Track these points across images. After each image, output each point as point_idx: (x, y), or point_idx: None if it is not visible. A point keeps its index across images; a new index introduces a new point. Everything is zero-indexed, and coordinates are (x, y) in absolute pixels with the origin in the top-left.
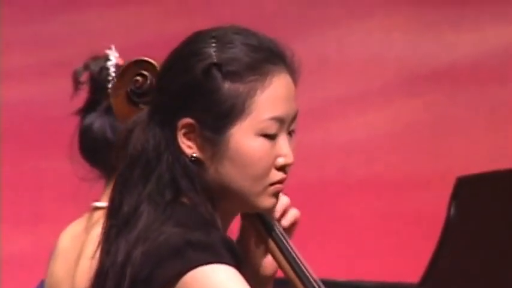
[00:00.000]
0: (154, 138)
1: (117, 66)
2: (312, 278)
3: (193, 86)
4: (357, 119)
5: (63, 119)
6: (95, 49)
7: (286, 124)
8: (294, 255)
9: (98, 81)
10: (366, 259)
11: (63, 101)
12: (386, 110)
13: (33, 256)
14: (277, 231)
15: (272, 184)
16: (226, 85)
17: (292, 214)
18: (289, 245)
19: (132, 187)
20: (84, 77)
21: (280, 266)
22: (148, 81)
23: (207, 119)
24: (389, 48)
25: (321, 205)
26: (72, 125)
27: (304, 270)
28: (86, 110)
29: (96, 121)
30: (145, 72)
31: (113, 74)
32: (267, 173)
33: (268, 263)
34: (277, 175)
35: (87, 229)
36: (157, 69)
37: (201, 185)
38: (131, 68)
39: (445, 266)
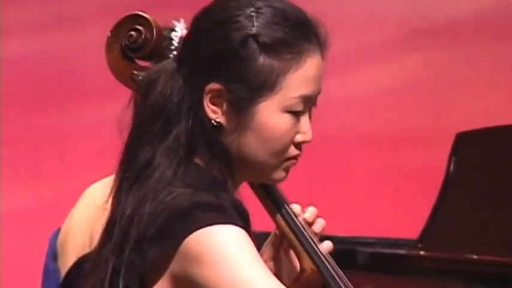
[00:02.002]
0: (178, 94)
1: (181, 38)
2: (315, 244)
3: (228, 54)
4: (357, 75)
5: (63, 75)
6: (96, 4)
7: (311, 102)
8: (298, 223)
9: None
10: (365, 215)
11: (63, 57)
12: (387, 66)
13: (33, 212)
14: (276, 193)
15: (288, 159)
16: (262, 58)
17: (321, 224)
18: (293, 213)
19: (149, 141)
20: None
21: (272, 217)
22: (143, 36)
23: (237, 88)
24: (389, 4)
25: (321, 161)
26: (71, 82)
27: (308, 237)
28: None
29: None
30: (139, 27)
31: (176, 45)
32: (286, 148)
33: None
34: (294, 151)
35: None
36: (152, 24)
37: (218, 150)
38: (126, 23)
39: (444, 222)
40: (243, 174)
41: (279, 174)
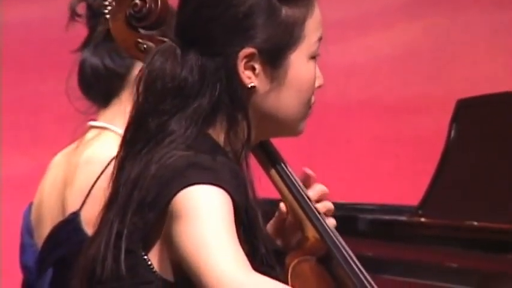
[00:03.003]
0: (199, 70)
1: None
2: (307, 196)
3: (253, 15)
4: (357, 41)
5: (63, 41)
6: None
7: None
8: (289, 174)
9: (93, 9)
10: (365, 182)
11: (64, 23)
12: (387, 33)
13: (32, 178)
14: (273, 152)
15: (310, 107)
16: (284, 11)
17: (326, 205)
18: (291, 175)
19: (162, 113)
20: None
21: (275, 185)
22: (147, 5)
23: (268, 46)
24: None
25: (321, 128)
26: (71, 47)
27: (298, 188)
28: (85, 44)
29: (92, 55)
30: None
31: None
32: (312, 96)
33: None
34: (313, 97)
35: (79, 147)
36: None
37: (244, 115)
38: None
39: (445, 189)
40: (268, 133)
41: (303, 124)
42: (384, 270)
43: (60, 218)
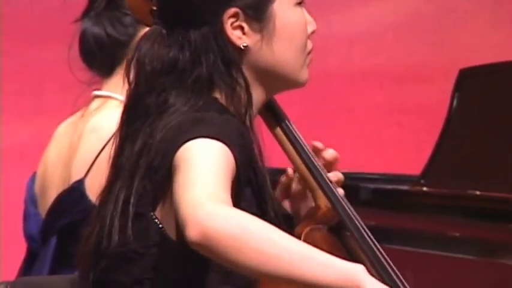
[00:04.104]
0: (189, 44)
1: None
2: (319, 166)
3: None
4: (360, 10)
5: (65, 9)
6: None
7: None
8: (302, 144)
9: None
10: (368, 151)
11: None
12: (389, 2)
13: (34, 147)
14: (287, 123)
15: (308, 54)
16: None
17: (337, 175)
18: (298, 135)
19: (159, 92)
20: None
21: (289, 155)
22: None
23: (248, 2)
24: None
25: (324, 97)
26: (73, 16)
27: (311, 158)
28: (85, 14)
29: (93, 24)
30: None
31: None
32: (306, 41)
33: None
34: (310, 44)
35: (84, 116)
36: None
37: (242, 79)
38: None
39: (447, 158)
40: (271, 89)
41: (306, 73)
42: (386, 239)
43: (65, 187)
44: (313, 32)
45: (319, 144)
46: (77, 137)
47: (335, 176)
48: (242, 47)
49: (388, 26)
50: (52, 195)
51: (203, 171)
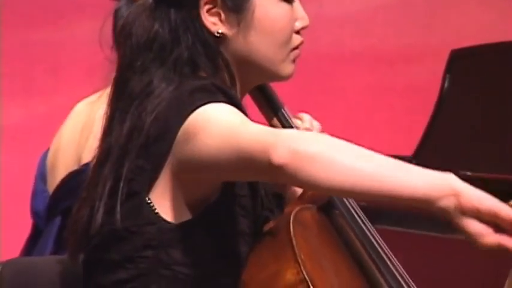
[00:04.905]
0: (169, 22)
1: None
2: None
3: None
4: None
5: None
6: None
7: None
8: (291, 122)
9: None
10: (359, 132)
11: None
12: None
13: (26, 128)
14: (281, 109)
15: (293, 49)
16: None
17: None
18: (291, 120)
19: (142, 70)
20: None
21: None
22: None
23: None
24: None
25: (314, 78)
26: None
27: None
28: None
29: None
30: None
31: None
32: (289, 37)
33: None
34: (297, 39)
35: (101, 98)
36: None
37: (222, 61)
38: None
39: (438, 139)
40: (252, 78)
41: (288, 67)
42: (377, 220)
43: (75, 167)
44: (303, 28)
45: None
46: (92, 118)
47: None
48: (217, 34)
49: (379, 7)
50: (61, 173)
51: (232, 118)
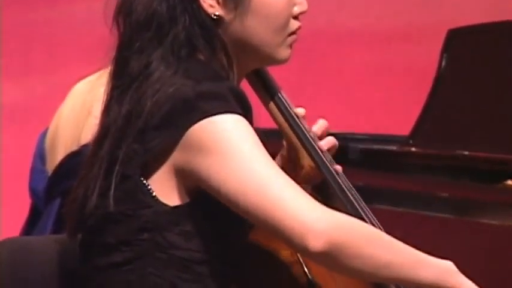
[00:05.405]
0: (167, 2)
1: None
2: (303, 125)
3: None
4: None
5: None
6: None
7: None
8: (285, 103)
9: None
10: (356, 112)
11: None
12: None
13: (23, 107)
14: (277, 93)
15: (290, 34)
16: None
17: (329, 140)
18: (287, 103)
19: (142, 50)
20: None
21: (272, 115)
22: None
23: None
24: None
25: (311, 58)
26: None
27: (294, 117)
28: None
29: None
30: None
31: None
32: (287, 22)
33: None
34: (294, 24)
35: (101, 78)
36: None
37: (219, 43)
38: None
39: (435, 119)
40: (246, 62)
41: (285, 52)
42: (374, 199)
43: (74, 148)
44: (301, 13)
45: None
46: (91, 99)
47: (327, 142)
48: (214, 16)
49: None
50: (60, 153)
51: (251, 153)
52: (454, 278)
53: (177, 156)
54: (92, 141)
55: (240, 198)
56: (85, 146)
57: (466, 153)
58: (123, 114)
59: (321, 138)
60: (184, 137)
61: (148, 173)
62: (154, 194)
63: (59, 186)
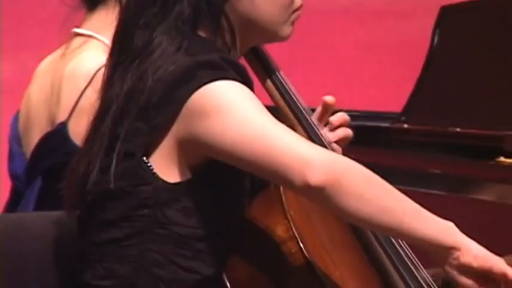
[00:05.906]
0: None
1: None
2: (298, 101)
3: None
4: None
5: None
6: None
7: None
8: (287, 89)
9: None
10: (348, 88)
11: None
12: None
13: (15, 83)
14: (275, 71)
15: (294, 11)
16: None
17: (346, 131)
18: (284, 80)
19: (145, 25)
20: None
21: (268, 91)
22: None
23: None
24: None
25: (304, 34)
26: None
27: (290, 92)
28: None
29: None
30: None
31: None
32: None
33: None
34: (298, 1)
35: (64, 55)
36: None
37: (225, 21)
38: None
39: (428, 95)
40: (252, 39)
41: (288, 29)
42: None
43: (48, 128)
44: None
45: (329, 100)
46: (58, 78)
47: (343, 131)
48: None
49: None
50: (36, 135)
51: (252, 110)
52: (454, 237)
53: (178, 128)
54: (93, 116)
55: (238, 147)
56: (60, 125)
57: (459, 129)
58: (125, 91)
59: (336, 129)
60: (184, 108)
61: (151, 150)
62: (154, 170)
63: (39, 166)
